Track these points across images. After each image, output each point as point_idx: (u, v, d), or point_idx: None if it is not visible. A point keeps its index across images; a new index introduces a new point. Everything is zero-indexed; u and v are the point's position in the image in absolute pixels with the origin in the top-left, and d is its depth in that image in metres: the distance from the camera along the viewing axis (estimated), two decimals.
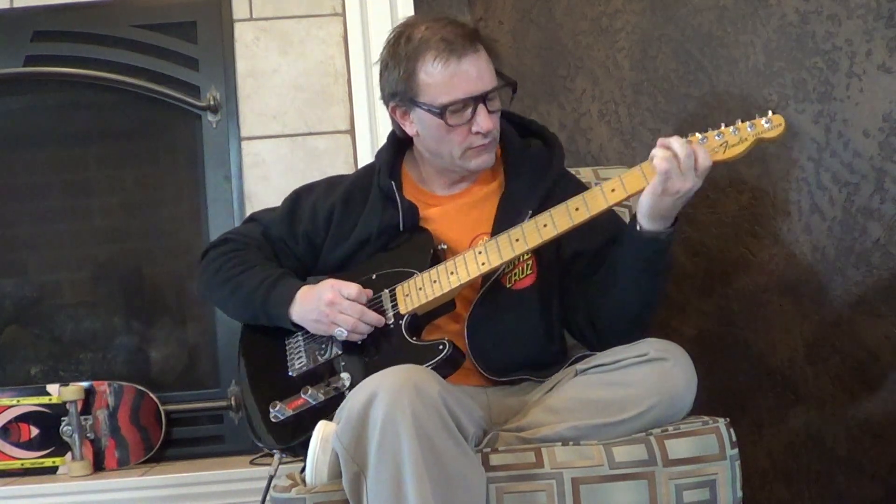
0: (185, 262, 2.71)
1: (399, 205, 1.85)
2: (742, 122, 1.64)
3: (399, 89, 1.80)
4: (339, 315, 1.73)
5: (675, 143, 1.61)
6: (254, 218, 2.01)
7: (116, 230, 2.74)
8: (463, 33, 1.76)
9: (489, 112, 1.77)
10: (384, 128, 2.55)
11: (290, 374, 1.82)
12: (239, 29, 2.63)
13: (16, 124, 2.70)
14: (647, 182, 1.64)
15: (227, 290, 1.88)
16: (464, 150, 1.81)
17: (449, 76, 1.75)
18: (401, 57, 1.78)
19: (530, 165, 1.89)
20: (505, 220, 1.80)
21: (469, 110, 1.77)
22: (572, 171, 2.03)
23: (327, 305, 1.74)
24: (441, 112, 1.76)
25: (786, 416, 2.27)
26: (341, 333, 1.74)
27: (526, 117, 2.01)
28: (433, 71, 1.75)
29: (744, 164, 2.27)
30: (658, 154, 1.61)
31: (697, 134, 1.67)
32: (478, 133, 1.78)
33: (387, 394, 1.46)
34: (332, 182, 2.00)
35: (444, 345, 1.68)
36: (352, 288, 1.76)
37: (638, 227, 1.70)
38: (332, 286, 1.76)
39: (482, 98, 1.76)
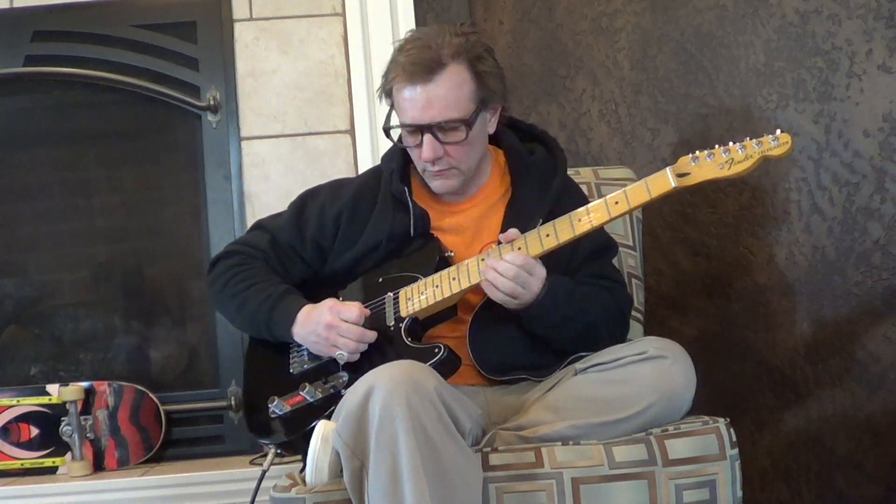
0: (185, 262, 2.72)
1: (411, 211, 1.86)
2: (749, 139, 1.65)
3: (388, 97, 1.85)
4: (339, 339, 1.75)
5: (503, 268, 1.68)
6: (260, 225, 2.00)
7: (116, 230, 2.74)
8: (425, 59, 1.75)
9: (440, 142, 1.78)
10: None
11: (290, 371, 1.83)
12: (239, 29, 2.63)
13: (16, 124, 2.70)
14: (651, 196, 1.67)
15: (234, 306, 1.89)
16: (423, 169, 1.85)
17: (401, 100, 1.79)
18: (386, 68, 1.83)
19: (535, 171, 1.90)
20: (512, 226, 1.80)
21: (418, 136, 1.79)
22: (572, 171, 2.03)
23: (326, 329, 1.75)
24: (387, 130, 1.83)
25: (786, 416, 2.27)
26: (342, 357, 1.75)
27: (526, 122, 2.02)
28: (396, 92, 1.80)
29: None
30: (493, 282, 1.69)
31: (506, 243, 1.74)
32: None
33: (384, 388, 1.47)
34: (337, 185, 1.99)
35: (440, 348, 1.69)
36: (352, 311, 1.76)
37: None
38: (331, 309, 1.77)
39: (428, 128, 1.77)
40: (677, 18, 2.37)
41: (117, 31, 2.62)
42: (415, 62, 1.75)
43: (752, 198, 2.28)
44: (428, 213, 1.86)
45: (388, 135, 1.85)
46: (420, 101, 1.76)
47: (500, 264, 1.69)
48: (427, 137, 1.78)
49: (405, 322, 1.77)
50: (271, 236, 1.94)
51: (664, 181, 1.67)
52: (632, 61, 2.45)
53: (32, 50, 2.60)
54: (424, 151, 1.79)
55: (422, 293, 1.77)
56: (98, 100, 2.66)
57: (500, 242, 1.77)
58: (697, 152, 1.67)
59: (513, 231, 1.77)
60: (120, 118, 2.70)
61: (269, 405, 1.77)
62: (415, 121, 1.78)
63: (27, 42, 2.60)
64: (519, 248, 1.72)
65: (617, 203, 1.69)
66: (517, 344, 1.80)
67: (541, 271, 1.71)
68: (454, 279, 1.75)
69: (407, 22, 2.59)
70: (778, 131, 1.63)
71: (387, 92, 1.83)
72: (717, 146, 1.66)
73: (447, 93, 1.76)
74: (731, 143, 1.65)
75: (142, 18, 2.62)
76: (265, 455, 1.78)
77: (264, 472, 1.75)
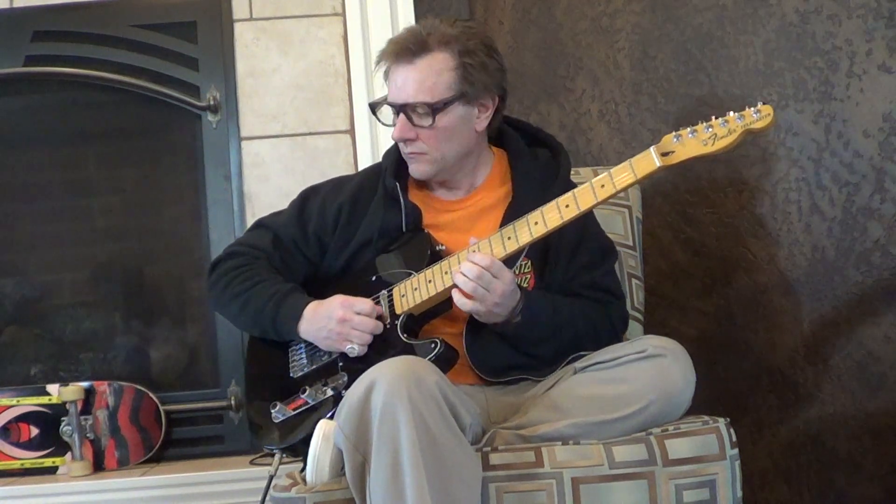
0: (185, 262, 2.72)
1: (402, 206, 1.86)
2: (731, 113, 1.62)
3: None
4: (353, 332, 1.75)
5: (467, 270, 1.67)
6: (262, 224, 2.00)
7: (116, 230, 2.74)
8: (411, 42, 1.80)
9: (413, 125, 1.81)
10: (384, 128, 2.55)
11: (290, 375, 1.83)
12: (239, 29, 2.63)
13: (16, 124, 2.70)
14: (637, 176, 1.65)
15: (236, 307, 1.89)
16: (403, 151, 1.88)
17: (386, 80, 1.85)
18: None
19: (537, 175, 1.89)
20: None
21: (396, 116, 1.84)
22: (572, 171, 2.03)
23: (339, 323, 1.75)
24: (373, 106, 1.90)
25: (786, 416, 2.27)
26: (353, 350, 1.75)
27: (532, 125, 2.02)
28: (387, 72, 1.85)
29: (744, 164, 2.27)
30: (459, 288, 1.68)
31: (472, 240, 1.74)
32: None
33: (386, 382, 1.48)
34: (338, 182, 2.00)
35: (436, 343, 1.70)
36: (365, 304, 1.77)
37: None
38: (343, 303, 1.77)
39: (402, 108, 1.81)
40: (677, 18, 2.37)
41: (117, 31, 2.62)
42: (400, 43, 1.81)
43: (752, 198, 2.28)
44: (420, 209, 1.87)
45: (373, 111, 1.91)
46: (398, 80, 1.81)
47: (464, 265, 1.68)
48: (400, 117, 1.82)
49: (400, 319, 1.77)
50: (274, 234, 1.94)
51: (649, 161, 1.64)
52: (632, 61, 2.45)
53: (32, 50, 2.60)
54: (394, 130, 1.84)
55: (415, 289, 1.77)
56: (98, 100, 2.66)
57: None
58: (681, 130, 1.64)
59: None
60: (120, 118, 2.70)
61: (272, 411, 1.77)
62: (391, 100, 1.83)
63: (27, 42, 2.60)
64: (509, 238, 1.72)
65: (603, 186, 1.67)
66: (514, 346, 1.80)
67: (506, 275, 1.69)
68: (446, 273, 1.75)
69: (407, 22, 2.59)
70: (760, 103, 1.60)
71: (385, 73, 1.87)
72: (700, 122, 1.64)
73: (423, 77, 1.79)
74: (713, 118, 1.63)
75: (142, 18, 2.63)
76: (265, 455, 1.78)
77: (272, 476, 1.75)
